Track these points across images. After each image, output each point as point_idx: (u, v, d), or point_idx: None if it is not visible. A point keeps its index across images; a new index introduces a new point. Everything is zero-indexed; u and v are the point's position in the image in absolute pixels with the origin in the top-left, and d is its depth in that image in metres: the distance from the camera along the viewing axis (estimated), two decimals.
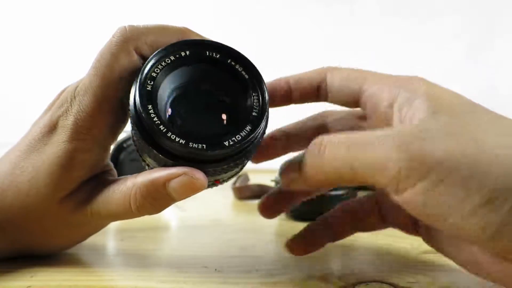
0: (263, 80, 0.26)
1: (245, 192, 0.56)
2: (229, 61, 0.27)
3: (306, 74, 0.30)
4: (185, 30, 0.29)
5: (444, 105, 0.23)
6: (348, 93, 0.28)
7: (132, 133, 0.27)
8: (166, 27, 0.28)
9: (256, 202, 0.55)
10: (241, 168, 0.28)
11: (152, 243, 0.35)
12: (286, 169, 0.26)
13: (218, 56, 0.27)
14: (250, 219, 0.46)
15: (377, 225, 0.31)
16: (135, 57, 0.27)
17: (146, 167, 0.28)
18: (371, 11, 0.97)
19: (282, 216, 0.46)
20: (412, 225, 0.29)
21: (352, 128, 0.31)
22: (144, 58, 0.27)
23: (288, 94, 0.30)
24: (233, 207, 0.53)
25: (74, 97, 0.27)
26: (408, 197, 0.20)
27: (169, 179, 0.24)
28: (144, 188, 0.25)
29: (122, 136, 0.43)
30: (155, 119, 0.24)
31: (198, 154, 0.24)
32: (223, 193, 0.57)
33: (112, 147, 0.41)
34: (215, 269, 0.29)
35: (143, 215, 0.26)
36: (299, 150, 0.33)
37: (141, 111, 0.24)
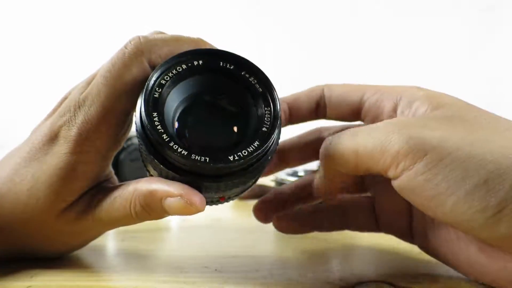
0: (277, 95, 0.25)
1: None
2: (243, 73, 0.25)
3: (302, 93, 0.31)
4: (199, 41, 0.28)
5: (442, 104, 0.24)
6: (348, 106, 0.29)
7: (138, 142, 0.26)
8: (181, 38, 0.27)
9: (256, 202, 0.55)
10: (249, 186, 0.27)
11: (152, 243, 0.35)
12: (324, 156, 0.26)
13: (232, 67, 0.26)
14: (250, 219, 0.46)
15: (370, 226, 0.31)
16: (148, 70, 0.26)
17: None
18: (371, 11, 0.97)
19: None
20: (407, 232, 0.29)
21: None
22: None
23: (286, 116, 0.31)
24: (233, 207, 0.53)
25: (79, 107, 0.26)
26: (406, 180, 0.21)
27: (165, 196, 0.24)
28: (142, 197, 0.25)
29: None
30: (159, 127, 0.23)
31: (200, 167, 0.23)
32: None
33: None
34: (215, 269, 0.29)
35: (142, 221, 0.26)
36: (295, 165, 0.34)
37: (145, 118, 0.23)
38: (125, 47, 0.26)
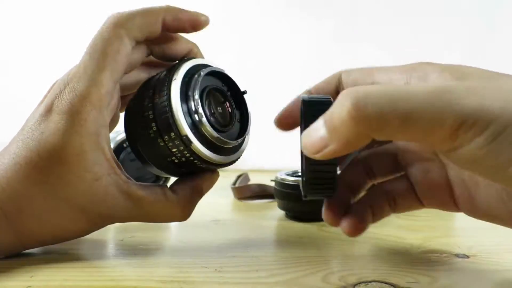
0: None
1: (245, 192, 0.56)
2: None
3: (322, 82, 0.30)
4: (167, 8, 0.31)
5: (464, 73, 0.22)
6: None
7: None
8: (150, 9, 0.30)
9: (256, 202, 0.55)
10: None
11: (152, 243, 0.35)
12: (309, 133, 0.22)
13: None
14: (250, 219, 0.46)
15: (413, 205, 0.30)
16: (126, 40, 0.29)
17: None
18: (371, 11, 0.97)
19: (282, 216, 0.46)
20: (451, 202, 0.28)
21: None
22: (137, 41, 0.30)
23: None
24: (233, 207, 0.53)
25: (68, 84, 0.28)
26: (464, 153, 0.20)
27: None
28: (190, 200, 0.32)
29: (122, 136, 0.43)
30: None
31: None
32: (223, 193, 0.57)
33: (112, 146, 0.41)
34: (215, 269, 0.29)
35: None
36: None
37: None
38: (103, 24, 0.30)
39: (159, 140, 0.29)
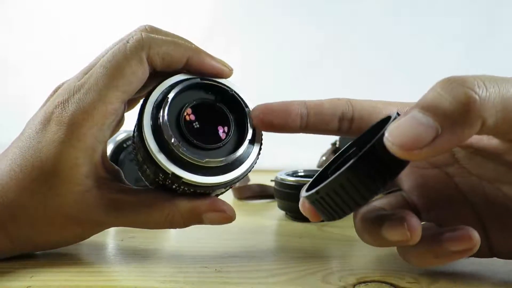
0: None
1: (245, 192, 0.55)
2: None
3: (326, 100, 0.28)
4: (196, 49, 0.29)
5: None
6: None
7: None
8: (180, 43, 0.29)
9: (256, 202, 0.55)
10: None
11: (152, 244, 0.35)
12: (404, 126, 0.20)
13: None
14: (250, 219, 0.46)
15: None
16: (146, 65, 0.28)
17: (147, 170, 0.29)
18: (372, 11, 0.97)
19: (282, 216, 0.46)
20: (485, 248, 0.27)
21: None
22: (153, 67, 0.28)
23: (303, 122, 0.28)
24: (233, 207, 0.53)
25: (73, 94, 0.27)
26: None
27: (207, 211, 0.29)
28: (185, 213, 0.29)
29: (122, 136, 0.43)
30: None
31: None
32: None
33: (112, 146, 0.41)
34: (215, 269, 0.29)
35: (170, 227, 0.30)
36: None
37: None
38: (127, 41, 0.28)
39: (144, 167, 0.28)
